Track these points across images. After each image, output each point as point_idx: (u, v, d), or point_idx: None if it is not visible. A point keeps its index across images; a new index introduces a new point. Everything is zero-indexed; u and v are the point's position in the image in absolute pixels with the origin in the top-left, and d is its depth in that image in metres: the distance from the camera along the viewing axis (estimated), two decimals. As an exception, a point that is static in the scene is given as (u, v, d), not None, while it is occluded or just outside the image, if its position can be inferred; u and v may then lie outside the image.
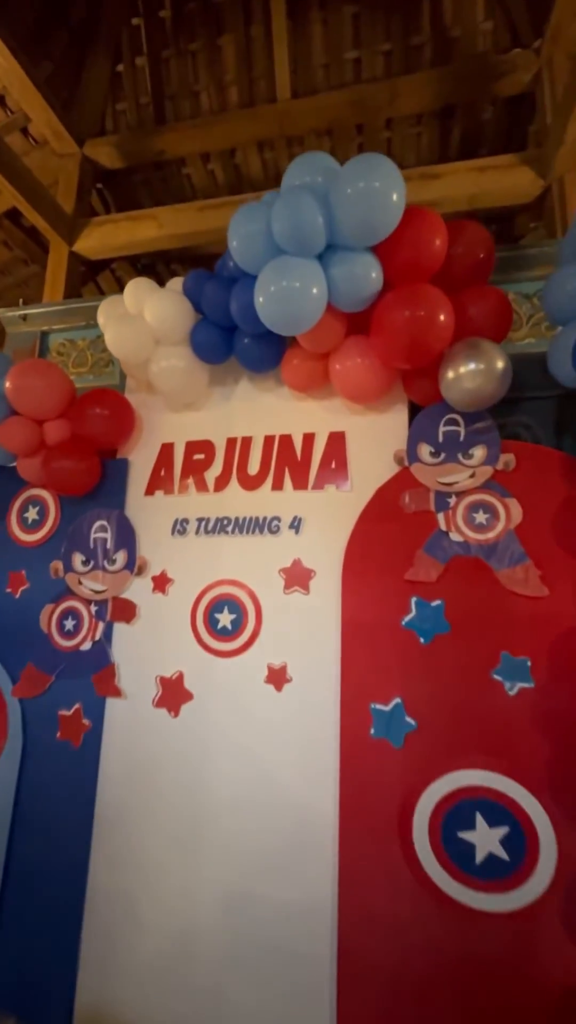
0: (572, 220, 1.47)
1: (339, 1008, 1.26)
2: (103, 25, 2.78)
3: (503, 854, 1.26)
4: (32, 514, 1.90)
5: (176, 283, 1.68)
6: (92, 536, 1.79)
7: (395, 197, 1.21)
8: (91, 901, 1.51)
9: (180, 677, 1.60)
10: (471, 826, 1.29)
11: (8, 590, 1.84)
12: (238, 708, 1.53)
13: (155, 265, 3.36)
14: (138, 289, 1.64)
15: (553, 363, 1.42)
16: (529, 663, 1.33)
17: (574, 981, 1.19)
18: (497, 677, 1.35)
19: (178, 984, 1.38)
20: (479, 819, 1.29)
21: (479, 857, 1.27)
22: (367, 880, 1.31)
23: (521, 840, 1.26)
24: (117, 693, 1.64)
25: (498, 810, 1.28)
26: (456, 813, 1.30)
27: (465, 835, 1.29)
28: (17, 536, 1.90)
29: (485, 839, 1.27)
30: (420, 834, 1.31)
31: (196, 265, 3.61)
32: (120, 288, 3.77)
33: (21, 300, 2.55)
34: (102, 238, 2.75)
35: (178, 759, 1.54)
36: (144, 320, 1.62)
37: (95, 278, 3.35)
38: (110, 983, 1.44)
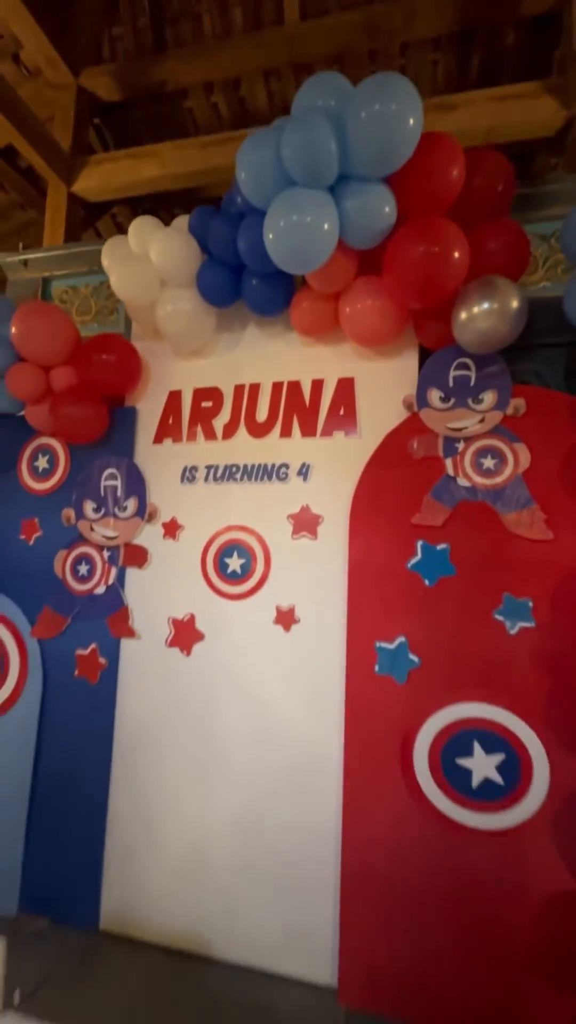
0: None
1: (341, 912, 1.38)
2: None
3: (498, 779, 1.34)
4: (42, 463, 1.91)
5: (182, 221, 1.63)
6: (103, 484, 1.81)
7: (412, 121, 1.15)
8: (112, 822, 1.62)
9: (192, 619, 1.66)
10: (469, 753, 1.36)
11: (22, 537, 1.89)
12: (248, 647, 1.59)
13: (157, 210, 3.22)
14: (143, 228, 1.59)
15: (569, 304, 1.39)
16: (531, 604, 1.37)
17: (558, 891, 1.29)
18: (499, 617, 1.39)
19: (194, 890, 1.51)
20: (477, 747, 1.36)
21: (475, 781, 1.35)
22: (369, 802, 1.40)
23: (516, 766, 1.33)
24: (131, 634, 1.70)
25: (495, 739, 1.35)
26: (455, 742, 1.38)
27: (463, 762, 1.36)
28: (28, 485, 1.92)
29: (482, 765, 1.35)
30: (420, 761, 1.39)
31: (198, 203, 3.47)
32: (120, 230, 3.65)
33: (21, 244, 2.48)
34: (102, 178, 2.63)
35: (191, 694, 1.62)
36: (150, 260, 1.58)
37: (95, 224, 3.22)
38: (132, 889, 1.57)
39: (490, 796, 1.34)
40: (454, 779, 1.36)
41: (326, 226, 1.24)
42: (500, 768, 1.34)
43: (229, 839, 1.51)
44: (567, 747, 1.32)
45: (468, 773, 1.36)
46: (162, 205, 3.20)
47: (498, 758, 1.34)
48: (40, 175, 2.77)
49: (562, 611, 1.36)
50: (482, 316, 1.30)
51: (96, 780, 1.65)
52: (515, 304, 1.28)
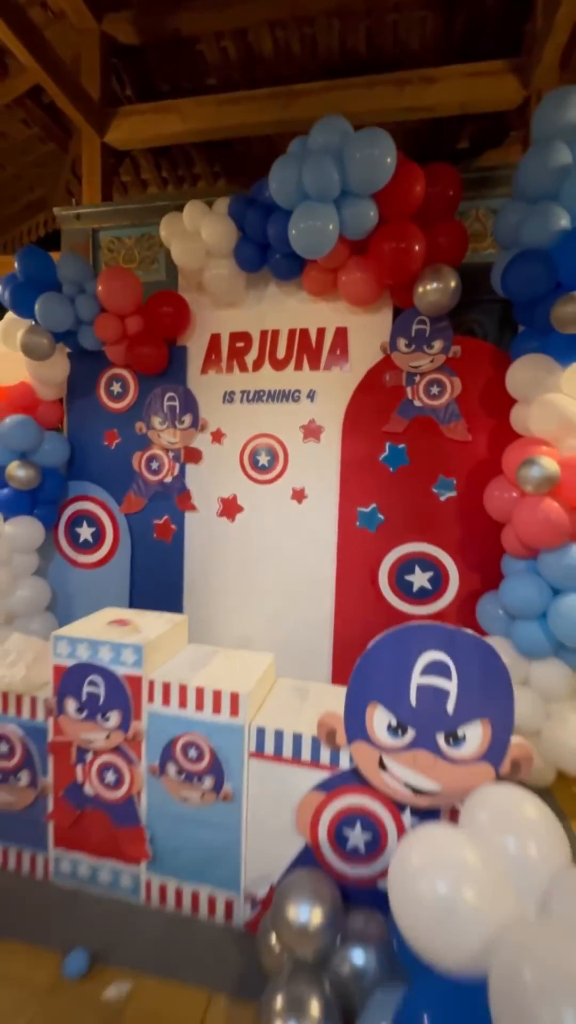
0: (524, 157, 1.97)
1: (333, 663, 2.33)
2: None
3: (428, 586, 2.23)
4: (116, 388, 2.59)
5: (222, 206, 2.19)
6: (165, 404, 2.51)
7: (389, 160, 1.75)
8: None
9: (234, 497, 2.46)
10: (412, 572, 2.25)
11: (105, 444, 2.62)
12: (273, 514, 2.41)
13: (169, 148, 3.56)
14: (194, 211, 2.16)
15: (493, 277, 2.05)
16: (455, 481, 2.19)
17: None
18: (435, 490, 2.21)
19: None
20: (416, 569, 2.24)
21: (415, 587, 2.24)
22: (351, 604, 2.30)
23: (439, 578, 2.22)
24: (193, 508, 2.51)
25: (428, 563, 2.23)
26: (404, 566, 2.26)
27: (408, 577, 2.25)
28: (107, 404, 2.62)
29: (419, 578, 2.24)
30: (383, 577, 2.27)
31: (209, 152, 3.81)
32: (136, 173, 3.98)
33: (74, 199, 2.94)
34: (130, 130, 3.01)
35: (235, 546, 2.46)
36: (200, 237, 2.17)
37: (118, 168, 3.56)
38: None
39: (423, 596, 2.25)
40: (402, 587, 2.26)
41: (331, 227, 1.87)
42: (430, 580, 2.23)
43: (264, 631, 2.43)
44: (469, 567, 2.20)
45: (411, 584, 2.25)
46: (176, 147, 3.54)
47: (429, 574, 2.23)
48: (64, 114, 3.11)
49: (473, 486, 2.17)
50: (432, 292, 1.97)
51: (173, 606, 2.53)
52: (453, 284, 1.96)
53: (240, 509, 2.46)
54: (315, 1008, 0.96)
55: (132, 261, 2.77)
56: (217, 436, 2.47)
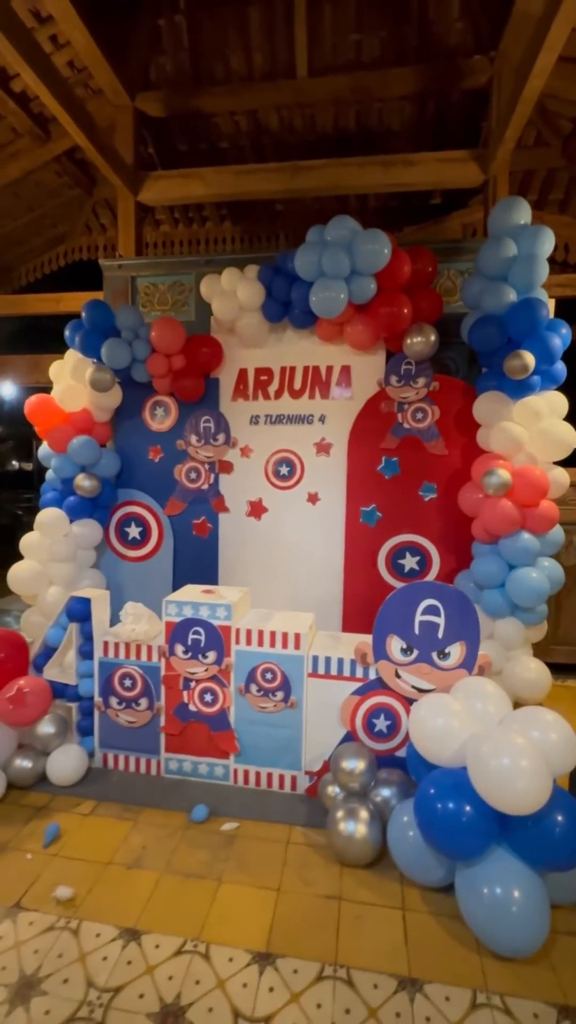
0: (483, 247, 2.61)
1: (343, 621, 2.95)
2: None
3: (416, 567, 2.88)
4: (160, 412, 3.15)
5: (252, 271, 2.78)
6: (201, 425, 3.09)
7: (386, 252, 2.38)
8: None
9: (260, 500, 3.06)
10: (404, 557, 2.89)
11: (150, 458, 3.17)
12: (293, 514, 3.01)
13: (188, 208, 4.13)
14: (231, 276, 2.75)
15: (462, 329, 2.70)
16: (436, 486, 2.84)
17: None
18: (421, 493, 2.86)
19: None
20: (407, 554, 2.89)
21: (406, 568, 2.89)
22: (356, 583, 2.93)
23: (425, 561, 2.87)
24: (226, 510, 3.09)
25: (416, 550, 2.88)
26: (398, 553, 2.89)
27: (401, 561, 2.89)
28: (151, 426, 3.17)
29: (409, 561, 2.88)
30: (381, 562, 2.91)
31: (221, 210, 4.39)
32: (156, 225, 4.54)
33: (118, 253, 3.47)
34: (160, 192, 3.56)
35: (261, 540, 3.06)
36: (235, 296, 2.76)
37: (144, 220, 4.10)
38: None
39: (412, 575, 2.89)
40: (396, 568, 2.90)
41: (342, 296, 2.49)
42: (418, 563, 2.88)
43: (285, 606, 3.03)
44: (447, 551, 2.85)
45: (403, 566, 2.89)
46: (193, 207, 4.11)
47: (417, 558, 2.88)
48: (91, 166, 3.63)
49: (450, 489, 2.83)
50: (416, 344, 2.62)
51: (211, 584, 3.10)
52: (432, 339, 2.61)
53: (265, 510, 3.06)
54: (364, 813, 1.57)
55: (165, 304, 3.33)
56: (246, 451, 3.06)
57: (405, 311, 2.55)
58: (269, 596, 3.04)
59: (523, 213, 2.47)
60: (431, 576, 2.86)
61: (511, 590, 2.44)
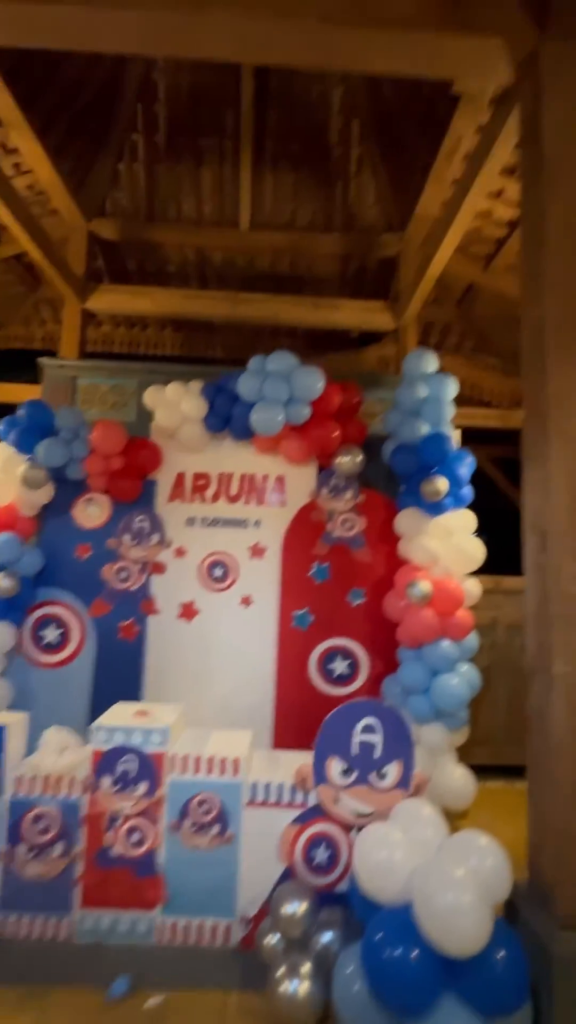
0: (399, 388, 3.04)
1: (275, 733, 2.87)
2: (112, 134, 3.72)
3: (347, 672, 2.94)
4: (92, 509, 3.10)
5: (195, 386, 2.98)
6: (135, 524, 3.07)
7: (320, 385, 2.70)
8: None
9: (192, 602, 3.02)
10: (334, 661, 2.95)
11: (77, 555, 3.06)
12: (226, 616, 3.00)
13: (131, 315, 4.42)
14: (176, 390, 2.93)
15: (384, 452, 3.05)
16: (363, 591, 3.01)
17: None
18: (348, 598, 3.00)
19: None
20: (337, 658, 2.95)
21: (336, 673, 2.94)
22: (288, 687, 2.91)
23: (354, 665, 2.95)
24: (155, 611, 3.01)
25: (346, 653, 2.96)
26: (328, 657, 2.96)
27: (331, 665, 2.95)
28: (81, 523, 3.09)
29: (340, 666, 2.95)
30: (312, 666, 2.94)
31: (163, 320, 4.72)
32: (97, 325, 4.76)
33: (59, 353, 3.56)
34: (109, 303, 3.80)
35: (192, 643, 2.98)
36: (179, 407, 2.92)
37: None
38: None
39: (342, 680, 2.94)
40: (327, 673, 2.94)
41: (280, 418, 2.73)
42: (348, 667, 2.95)
43: (217, 712, 2.90)
44: (376, 655, 2.97)
45: (333, 670, 2.94)
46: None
47: (347, 662, 2.95)
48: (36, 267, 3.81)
49: (376, 595, 3.00)
50: (344, 463, 2.90)
51: (132, 697, 2.91)
52: (358, 459, 2.91)
53: (197, 612, 3.02)
54: (306, 966, 1.46)
55: (105, 404, 3.41)
56: (180, 552, 3.06)
57: (335, 435, 2.85)
58: (199, 703, 2.91)
59: (431, 363, 2.96)
60: (360, 681, 2.94)
61: (435, 695, 2.57)
